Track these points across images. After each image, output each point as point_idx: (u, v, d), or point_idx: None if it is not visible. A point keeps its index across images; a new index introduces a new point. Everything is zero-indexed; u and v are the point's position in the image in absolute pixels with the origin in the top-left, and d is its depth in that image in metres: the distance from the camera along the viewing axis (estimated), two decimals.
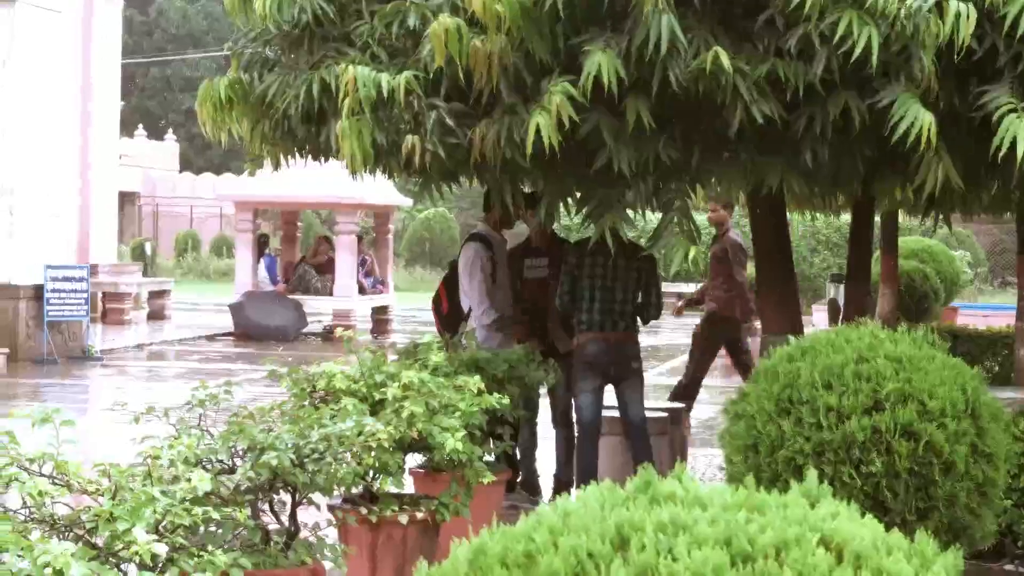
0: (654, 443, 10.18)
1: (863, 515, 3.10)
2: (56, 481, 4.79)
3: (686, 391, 13.43)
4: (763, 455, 6.70)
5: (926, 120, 7.10)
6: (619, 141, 7.66)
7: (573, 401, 10.27)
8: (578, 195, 8.75)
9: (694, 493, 3.07)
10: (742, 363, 13.34)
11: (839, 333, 7.12)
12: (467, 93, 7.85)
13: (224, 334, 26.88)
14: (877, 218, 14.04)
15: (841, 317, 10.97)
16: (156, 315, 29.73)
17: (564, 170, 8.39)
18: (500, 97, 7.72)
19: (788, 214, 11.05)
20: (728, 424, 7.14)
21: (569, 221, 11.00)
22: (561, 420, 10.90)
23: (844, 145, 7.93)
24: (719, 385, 20.25)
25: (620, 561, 2.79)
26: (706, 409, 16.92)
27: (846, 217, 18.81)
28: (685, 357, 18.40)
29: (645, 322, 10.28)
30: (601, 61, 7.11)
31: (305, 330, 26.88)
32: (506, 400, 7.99)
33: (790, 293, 10.17)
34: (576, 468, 10.17)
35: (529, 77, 7.64)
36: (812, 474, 3.32)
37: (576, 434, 10.26)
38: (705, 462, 12.91)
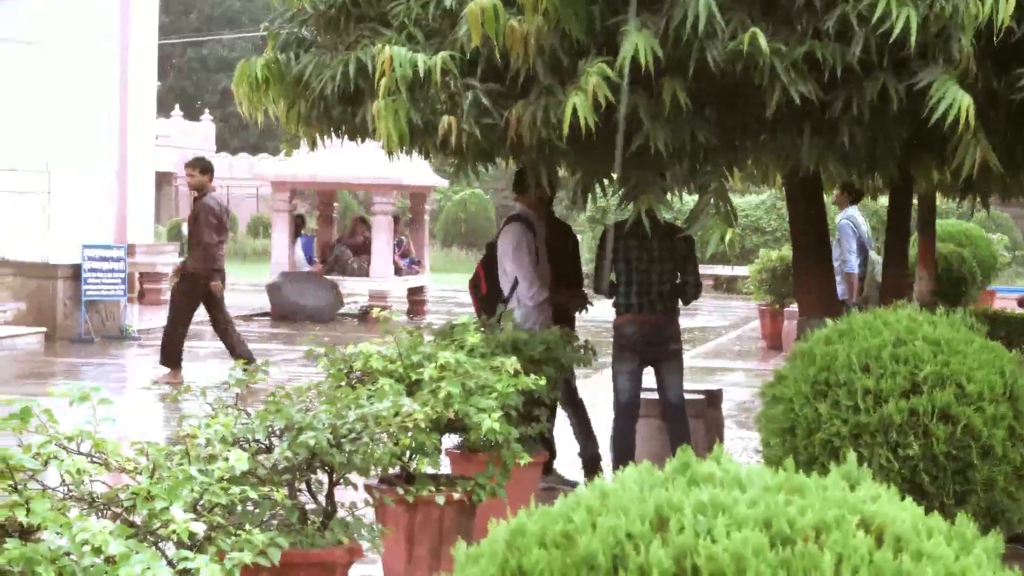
0: (691, 425, 10.18)
1: (902, 498, 3.09)
2: (94, 459, 4.81)
3: None
4: (800, 438, 6.68)
5: (964, 102, 7.06)
6: (656, 122, 7.63)
7: (612, 382, 10.26)
8: (615, 176, 8.74)
9: (733, 474, 3.07)
10: None
11: (877, 315, 7.09)
12: (503, 74, 7.85)
13: (260, 314, 26.92)
14: (914, 200, 13.97)
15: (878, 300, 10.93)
16: None
17: (600, 151, 8.38)
18: (536, 78, 7.71)
19: (824, 196, 11.02)
20: (765, 407, 7.12)
21: (605, 202, 10.98)
22: (567, 400, 10.82)
23: (881, 127, 7.90)
24: (755, 368, 20.24)
25: (659, 542, 2.79)
26: (742, 392, 16.90)
27: (883, 200, 18.76)
28: (722, 339, 18.37)
29: (685, 303, 10.28)
30: (638, 42, 7.08)
31: (341, 311, 26.92)
32: (542, 381, 7.99)
33: (827, 275, 10.14)
34: (612, 449, 10.17)
35: (566, 58, 7.62)
36: (852, 456, 3.31)
37: (613, 415, 10.25)
38: (741, 445, 12.90)
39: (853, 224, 15.29)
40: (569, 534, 2.82)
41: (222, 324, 16.75)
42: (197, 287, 16.48)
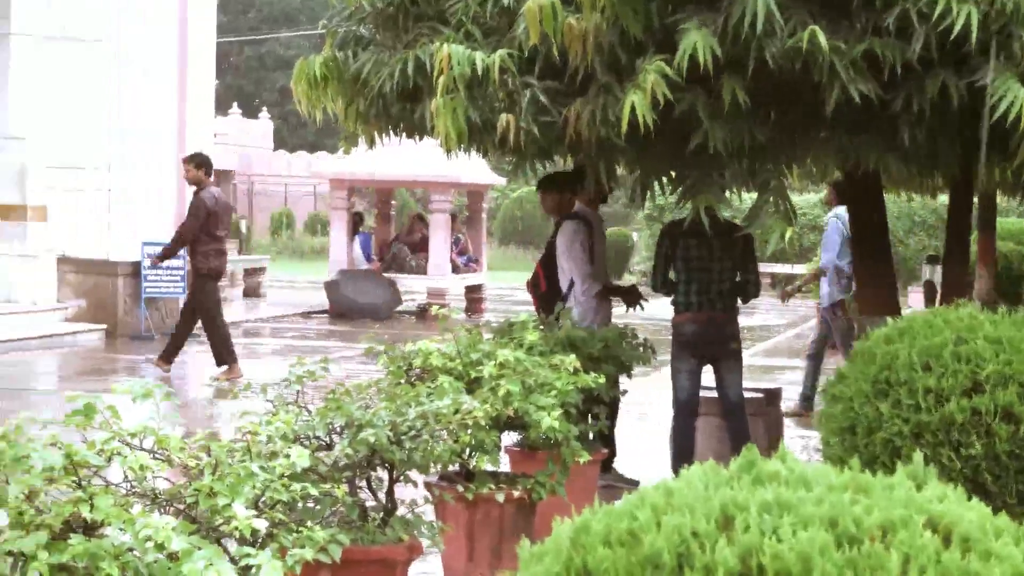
0: (750, 423, 10.15)
1: (968, 498, 3.07)
2: (157, 456, 4.83)
3: None
4: (860, 437, 6.64)
5: None
6: (714, 120, 7.61)
7: (671, 381, 10.24)
8: (673, 175, 8.73)
9: (799, 473, 3.06)
10: None
11: (937, 314, 7.05)
12: (561, 71, 7.84)
13: (319, 312, 27.02)
14: (975, 199, 13.88)
15: (938, 299, 10.86)
16: (251, 292, 29.91)
17: (658, 149, 8.36)
18: (594, 75, 7.69)
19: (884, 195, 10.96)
20: (825, 405, 7.09)
21: (663, 200, 10.97)
22: None
23: (942, 125, 7.85)
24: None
25: (724, 541, 2.78)
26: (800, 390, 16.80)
27: (943, 198, 18.64)
28: (780, 338, 18.26)
29: (745, 301, 10.26)
30: (696, 39, 7.06)
31: (399, 308, 26.97)
32: (602, 379, 7.98)
33: (887, 274, 10.10)
34: (672, 448, 10.15)
35: (624, 55, 7.60)
36: (917, 456, 3.29)
37: (672, 414, 10.23)
38: (800, 443, 12.86)
39: (841, 223, 15.18)
40: (634, 532, 2.82)
41: (209, 326, 17.09)
42: (211, 283, 16.87)
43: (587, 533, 2.89)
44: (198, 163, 16.93)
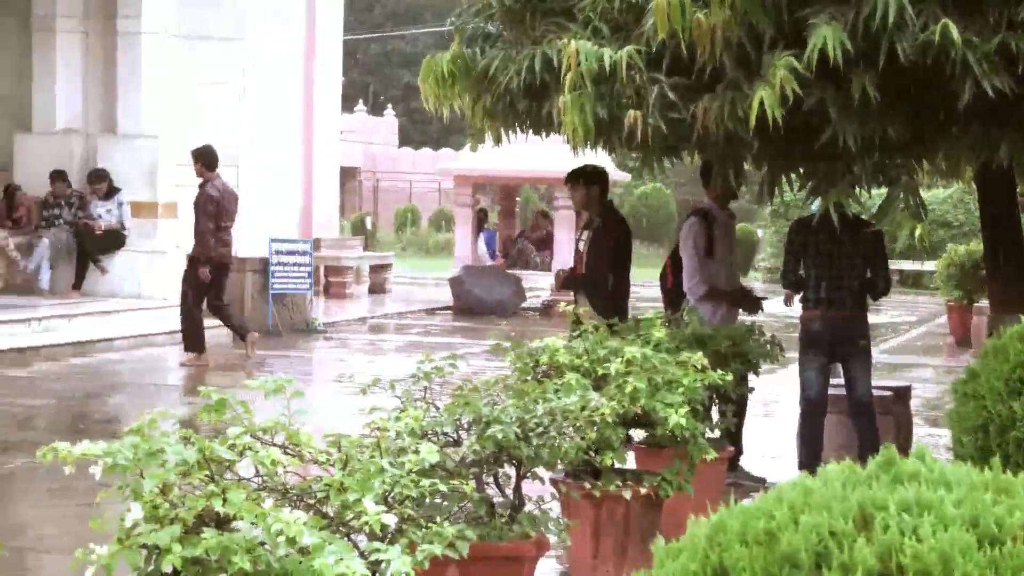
0: (879, 422, 10.04)
1: None
2: (288, 451, 4.87)
3: None
4: (993, 436, 6.55)
5: None
6: (844, 116, 7.54)
7: (799, 378, 10.16)
8: (801, 171, 8.66)
9: (938, 473, 3.02)
10: None
11: None
12: (689, 67, 7.80)
13: (443, 308, 27.12)
14: None
15: None
16: (377, 289, 30.08)
17: (787, 145, 8.30)
18: (723, 71, 7.65)
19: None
20: (956, 404, 7.00)
21: (791, 196, 10.91)
22: None
23: None
24: (943, 364, 19.93)
25: (863, 540, 2.75)
26: (930, 388, 16.65)
27: None
28: (909, 335, 18.05)
29: (875, 298, 10.16)
30: (827, 34, 7.00)
31: (523, 305, 27.01)
32: (729, 376, 7.94)
33: (1020, 271, 9.95)
34: (799, 446, 10.07)
35: (752, 51, 7.56)
36: None
37: (800, 411, 10.15)
38: (930, 442, 12.70)
39: None
40: (771, 531, 2.80)
41: (213, 302, 17.72)
42: (199, 267, 17.34)
43: (723, 531, 2.87)
44: (197, 156, 17.53)
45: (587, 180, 11.20)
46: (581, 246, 11.24)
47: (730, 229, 11.01)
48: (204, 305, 17.72)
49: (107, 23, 21.63)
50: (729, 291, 10.93)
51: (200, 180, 17.51)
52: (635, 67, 7.75)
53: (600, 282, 10.97)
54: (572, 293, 11.22)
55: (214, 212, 17.09)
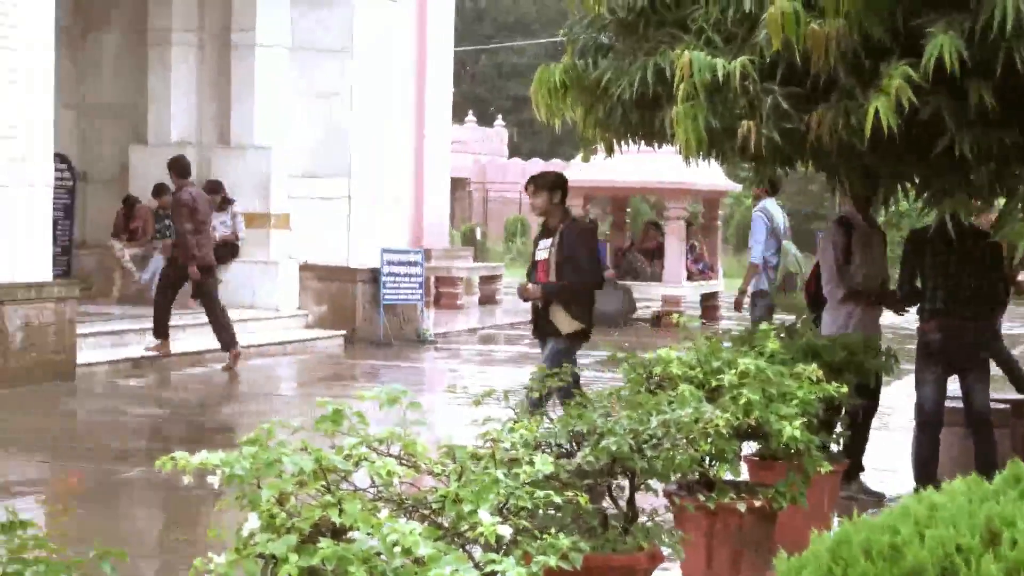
0: (996, 435, 9.91)
1: None
2: (404, 462, 4.89)
3: None
4: None
5: None
6: (961, 125, 7.46)
7: (915, 390, 10.06)
8: (917, 180, 8.58)
9: None
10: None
11: None
12: (803, 77, 7.76)
13: None
14: None
15: None
16: (487, 299, 30.12)
17: (903, 155, 8.23)
18: (837, 81, 7.61)
19: None
20: None
21: (905, 206, 10.82)
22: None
23: None
24: None
25: (990, 556, 2.72)
26: None
27: None
28: None
29: (992, 310, 10.04)
30: (943, 43, 6.93)
31: (634, 315, 26.94)
32: (844, 388, 7.88)
33: None
34: (914, 459, 9.96)
35: (867, 60, 7.50)
36: None
37: (915, 423, 10.04)
38: None
39: (766, 216, 15.99)
40: (896, 546, 2.77)
41: (210, 314, 17.94)
42: (178, 273, 17.88)
43: (847, 546, 2.84)
44: (171, 166, 18.30)
45: (550, 186, 11.12)
46: (541, 254, 11.14)
47: (871, 236, 10.87)
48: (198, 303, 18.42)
49: (221, 36, 21.85)
50: (866, 291, 10.81)
51: (174, 188, 18.28)
52: (748, 77, 7.71)
53: (584, 290, 11.00)
54: (542, 303, 11.14)
55: (189, 216, 17.60)
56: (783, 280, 15.93)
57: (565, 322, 10.90)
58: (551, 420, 6.54)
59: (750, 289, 16.20)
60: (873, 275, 10.74)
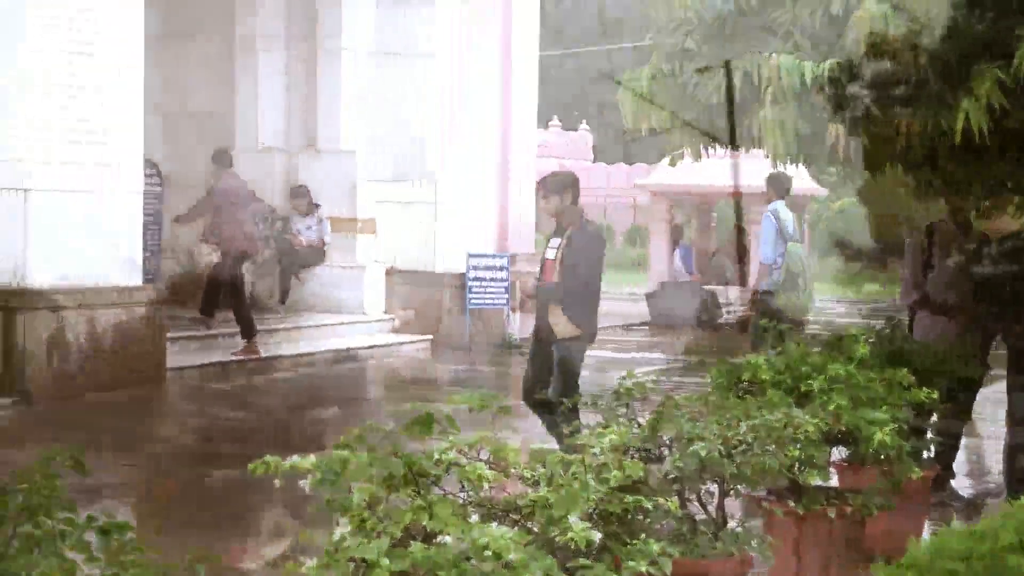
0: None
1: None
2: (493, 466, 4.90)
3: None
4: None
5: None
6: None
7: (1007, 396, 9.96)
8: (1008, 185, 8.51)
9: None
10: None
11: None
12: (891, 80, 7.71)
13: (639, 323, 27.04)
14: None
15: None
16: None
17: (993, 158, 8.16)
18: (926, 84, 7.56)
19: None
20: None
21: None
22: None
23: None
24: None
25: None
26: None
27: None
28: None
29: None
30: None
31: (720, 320, 26.85)
32: (935, 394, 7.82)
33: None
34: (1005, 465, 9.85)
35: (956, 63, 7.45)
36: None
37: (1007, 431, 9.94)
38: None
39: (774, 216, 15.75)
40: (997, 553, 2.75)
41: (235, 303, 18.18)
42: (229, 267, 18.24)
43: (946, 553, 2.82)
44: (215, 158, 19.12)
45: (560, 188, 11.06)
46: (550, 253, 11.08)
47: (957, 241, 10.72)
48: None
49: (308, 41, 21.96)
50: (934, 301, 10.69)
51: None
52: (837, 81, 7.68)
53: (587, 293, 10.94)
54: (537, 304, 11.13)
55: (224, 207, 18.28)
56: (785, 279, 16.04)
57: (561, 325, 10.90)
58: (639, 425, 6.54)
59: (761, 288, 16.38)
60: (951, 284, 10.59)
